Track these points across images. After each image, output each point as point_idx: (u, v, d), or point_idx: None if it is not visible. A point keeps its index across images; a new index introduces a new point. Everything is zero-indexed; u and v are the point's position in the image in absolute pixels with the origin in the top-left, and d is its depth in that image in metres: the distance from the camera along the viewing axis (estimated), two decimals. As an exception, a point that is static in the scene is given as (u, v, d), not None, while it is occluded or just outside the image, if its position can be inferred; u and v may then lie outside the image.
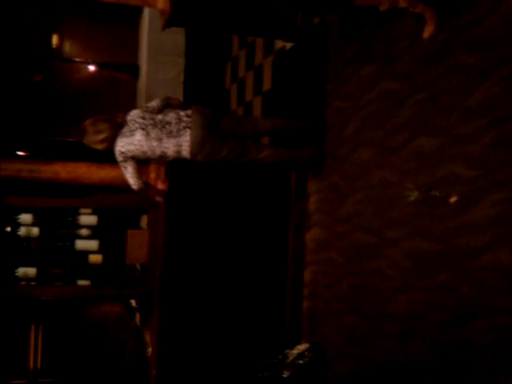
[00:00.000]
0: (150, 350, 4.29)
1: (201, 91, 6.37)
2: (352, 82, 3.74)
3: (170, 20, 4.34)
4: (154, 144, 3.70)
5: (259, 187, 4.29)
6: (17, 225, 4.31)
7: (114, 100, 6.75)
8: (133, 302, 4.44)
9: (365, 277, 3.46)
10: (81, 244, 4.35)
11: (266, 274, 4.22)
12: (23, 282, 4.31)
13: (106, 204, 4.20)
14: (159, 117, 3.76)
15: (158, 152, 3.73)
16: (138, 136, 3.69)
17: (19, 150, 5.90)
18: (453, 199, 2.74)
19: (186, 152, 3.71)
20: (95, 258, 4.35)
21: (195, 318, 4.11)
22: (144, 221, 4.44)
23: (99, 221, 4.33)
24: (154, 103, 3.88)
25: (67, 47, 6.91)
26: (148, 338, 4.35)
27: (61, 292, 4.39)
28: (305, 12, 4.11)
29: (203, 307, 4.12)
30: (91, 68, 6.94)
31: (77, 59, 6.84)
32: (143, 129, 3.70)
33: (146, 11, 6.29)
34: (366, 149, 3.53)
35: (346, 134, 3.77)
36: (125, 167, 3.74)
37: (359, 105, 3.63)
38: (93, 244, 4.36)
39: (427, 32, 2.95)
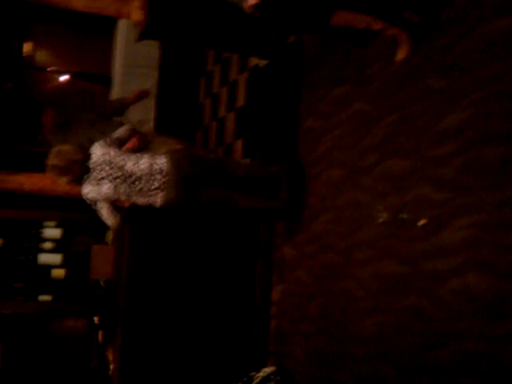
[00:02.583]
0: (111, 367, 4.18)
1: (174, 104, 6.32)
2: (325, 102, 3.74)
3: (145, 32, 4.30)
4: (123, 197, 3.47)
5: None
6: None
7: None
8: (95, 319, 4.34)
9: (333, 297, 3.43)
10: (44, 258, 4.24)
11: (232, 293, 4.16)
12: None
13: (71, 217, 4.11)
14: (128, 167, 3.41)
15: (127, 201, 3.55)
16: (105, 189, 3.42)
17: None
18: (421, 222, 2.74)
19: (157, 205, 3.49)
20: (58, 273, 4.25)
21: (159, 337, 4.02)
22: (109, 236, 4.35)
23: (63, 234, 4.23)
24: (122, 134, 3.61)
25: (39, 56, 6.81)
26: (110, 355, 4.24)
27: (22, 307, 4.27)
28: (280, 30, 4.11)
29: (168, 326, 4.03)
30: (63, 77, 6.85)
31: (48, 68, 6.74)
32: (111, 181, 3.41)
33: (121, 22, 6.24)
34: (337, 169, 3.52)
35: (318, 153, 3.76)
36: (97, 210, 3.52)
37: (331, 125, 3.63)
38: (56, 258, 4.25)
39: (400, 55, 2.97)
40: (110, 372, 4.25)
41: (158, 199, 3.41)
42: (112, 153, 3.43)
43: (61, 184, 3.94)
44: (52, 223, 4.23)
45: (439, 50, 2.75)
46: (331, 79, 3.70)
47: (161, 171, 3.38)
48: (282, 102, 4.33)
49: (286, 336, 3.97)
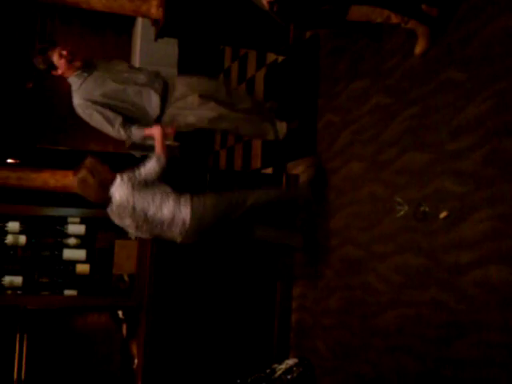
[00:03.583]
0: (135, 361, 4.24)
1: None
2: (343, 96, 3.76)
3: (163, 30, 4.35)
4: (145, 235, 3.57)
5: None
6: (4, 233, 4.27)
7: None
8: (120, 313, 4.40)
9: (354, 291, 3.46)
10: (68, 253, 4.31)
11: (255, 287, 4.20)
12: (9, 291, 4.26)
13: (94, 214, 4.16)
14: (151, 212, 3.37)
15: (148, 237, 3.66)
16: (128, 222, 3.44)
17: (9, 158, 5.85)
18: (442, 215, 2.75)
19: (178, 242, 3.56)
20: (82, 268, 4.31)
21: (183, 331, 4.07)
22: (132, 232, 4.40)
23: (87, 230, 4.30)
24: (149, 175, 3.37)
25: (59, 56, 6.87)
26: (134, 349, 4.30)
27: (47, 301, 4.34)
28: (298, 26, 4.13)
29: (191, 320, 4.08)
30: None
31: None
32: (133, 220, 3.41)
33: (139, 21, 6.29)
34: (357, 163, 3.54)
35: (337, 147, 3.78)
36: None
37: (350, 119, 3.64)
38: (80, 253, 4.32)
39: (419, 48, 2.97)
40: (134, 366, 4.31)
41: (178, 240, 3.51)
42: (136, 197, 3.34)
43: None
44: (76, 219, 4.29)
45: (457, 42, 2.75)
46: (349, 74, 3.71)
47: (183, 223, 3.41)
48: (300, 97, 4.35)
49: (307, 329, 4.01)
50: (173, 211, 3.39)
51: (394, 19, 2.96)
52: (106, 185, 3.33)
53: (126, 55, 6.74)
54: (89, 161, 3.38)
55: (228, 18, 4.32)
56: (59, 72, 3.64)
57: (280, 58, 4.82)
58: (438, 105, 2.85)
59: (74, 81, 3.67)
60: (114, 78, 3.70)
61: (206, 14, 4.29)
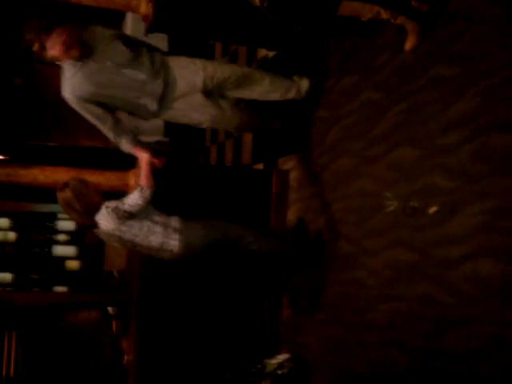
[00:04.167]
0: (126, 357, 4.24)
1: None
2: (334, 92, 3.76)
3: (153, 25, 4.32)
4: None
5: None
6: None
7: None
8: (110, 309, 4.39)
9: (345, 286, 3.47)
10: (58, 250, 4.30)
11: (246, 282, 4.20)
12: (-1, 288, 4.25)
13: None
14: (138, 240, 3.28)
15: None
16: (117, 245, 3.41)
17: (-3, 154, 5.81)
18: (432, 210, 2.76)
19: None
20: (72, 264, 4.30)
21: (174, 326, 4.07)
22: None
23: (77, 227, 4.29)
24: (135, 209, 3.20)
25: (48, 51, 6.81)
26: (125, 345, 4.30)
27: (37, 298, 4.33)
28: (288, 21, 4.12)
29: (182, 315, 4.08)
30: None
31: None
32: (121, 245, 3.38)
33: (129, 16, 6.25)
34: (346, 158, 3.55)
35: (327, 143, 3.79)
36: None
37: (340, 114, 3.65)
38: (70, 250, 4.31)
39: (409, 44, 2.98)
40: (125, 361, 4.31)
41: (166, 259, 3.42)
42: (122, 228, 3.22)
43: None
44: (66, 216, 4.28)
45: (448, 38, 2.76)
46: (339, 69, 3.71)
47: (171, 251, 3.32)
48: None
49: (298, 324, 4.02)
50: (161, 242, 3.28)
51: (384, 15, 2.97)
52: (91, 210, 3.19)
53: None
54: (74, 183, 3.19)
55: (218, 14, 4.30)
56: (53, 54, 3.35)
57: (271, 54, 4.81)
58: (428, 100, 2.86)
59: (67, 68, 3.43)
60: (109, 74, 3.43)
61: (195, 10, 4.27)
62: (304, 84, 3.89)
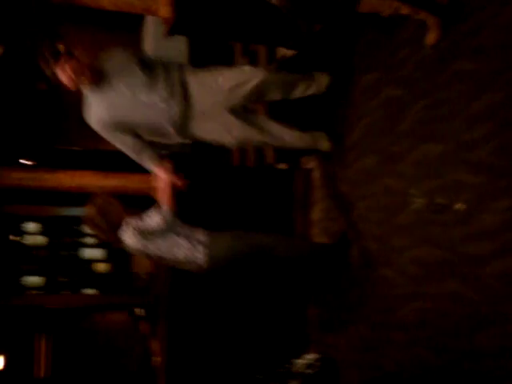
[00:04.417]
0: (155, 358, 4.28)
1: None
2: (355, 89, 3.74)
3: (173, 28, 4.34)
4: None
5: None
6: (22, 233, 4.32)
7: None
8: (138, 311, 4.45)
9: (372, 285, 3.45)
10: (86, 252, 4.36)
11: (274, 281, 4.20)
12: (30, 291, 4.32)
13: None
14: (164, 252, 3.24)
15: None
16: (145, 257, 3.42)
17: (23, 159, 5.90)
18: (458, 206, 2.73)
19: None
20: (101, 267, 4.36)
21: (202, 326, 4.09)
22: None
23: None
24: (155, 226, 3.18)
25: (72, 56, 6.90)
26: (154, 346, 4.34)
27: (67, 301, 4.40)
28: (307, 20, 4.11)
29: (211, 316, 4.10)
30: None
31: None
32: (149, 257, 3.37)
33: (149, 19, 6.30)
34: (370, 156, 3.52)
35: (350, 141, 3.76)
36: None
37: (363, 112, 3.63)
38: (98, 252, 4.36)
39: (430, 39, 2.95)
40: (153, 363, 4.35)
41: (193, 271, 3.37)
42: (145, 244, 3.21)
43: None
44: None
45: (469, 32, 2.72)
46: (360, 66, 3.69)
47: (198, 266, 3.27)
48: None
49: (326, 324, 4.01)
50: (186, 256, 3.23)
51: (404, 10, 2.94)
52: (115, 227, 3.18)
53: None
54: (99, 200, 3.19)
55: (238, 14, 4.30)
56: (63, 82, 3.28)
57: (290, 53, 4.79)
58: (451, 95, 2.82)
59: (86, 94, 3.36)
60: (125, 100, 3.31)
61: (215, 11, 4.28)
62: (324, 79, 3.86)
